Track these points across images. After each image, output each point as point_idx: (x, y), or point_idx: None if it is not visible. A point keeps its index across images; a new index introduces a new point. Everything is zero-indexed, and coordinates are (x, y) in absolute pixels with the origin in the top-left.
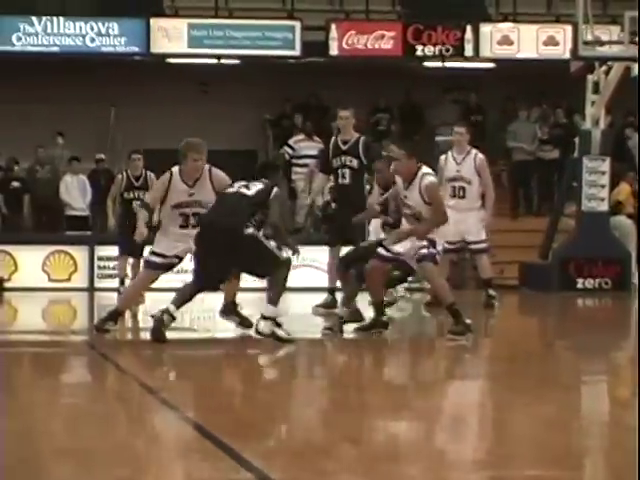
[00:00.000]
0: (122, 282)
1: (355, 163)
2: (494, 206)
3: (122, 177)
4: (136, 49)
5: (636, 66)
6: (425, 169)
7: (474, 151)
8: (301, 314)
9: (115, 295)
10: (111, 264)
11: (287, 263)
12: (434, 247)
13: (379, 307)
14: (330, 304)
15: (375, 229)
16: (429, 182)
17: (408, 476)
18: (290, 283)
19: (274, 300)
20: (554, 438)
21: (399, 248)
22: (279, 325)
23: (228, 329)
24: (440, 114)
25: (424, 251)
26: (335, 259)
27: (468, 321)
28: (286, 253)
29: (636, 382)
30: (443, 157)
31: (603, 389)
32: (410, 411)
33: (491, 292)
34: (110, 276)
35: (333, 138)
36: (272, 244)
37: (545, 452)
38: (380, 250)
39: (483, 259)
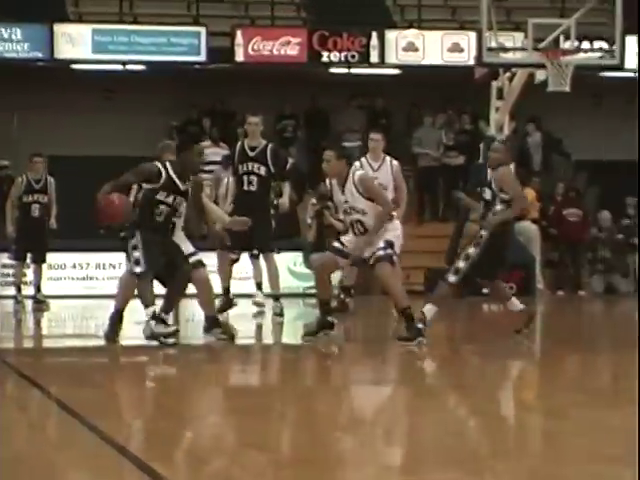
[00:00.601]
0: (19, 289)
1: (263, 170)
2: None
3: (22, 180)
4: (40, 55)
5: (539, 72)
6: (355, 167)
7: (388, 158)
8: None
9: (12, 303)
10: (11, 271)
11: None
12: (391, 248)
13: (325, 306)
14: (225, 306)
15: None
16: (360, 175)
17: None
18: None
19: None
20: (459, 442)
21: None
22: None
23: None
24: (346, 120)
25: (381, 252)
26: (225, 265)
27: (420, 326)
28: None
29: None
30: (357, 164)
31: (508, 393)
32: (318, 416)
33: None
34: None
35: (239, 144)
36: None
37: (450, 456)
38: (335, 244)
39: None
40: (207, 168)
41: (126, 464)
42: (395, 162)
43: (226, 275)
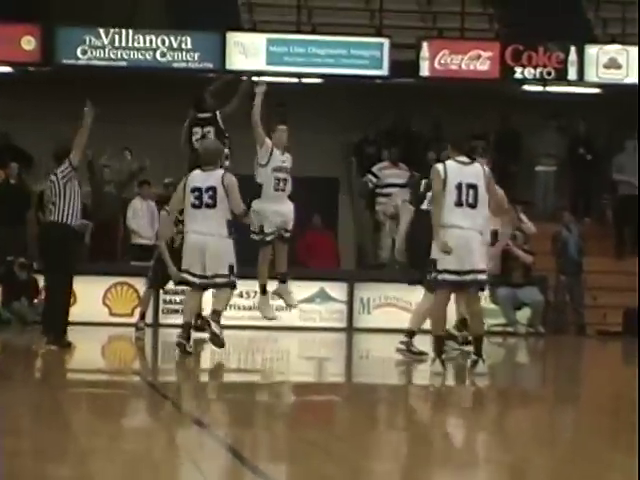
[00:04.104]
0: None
1: None
2: (597, 246)
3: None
4: (211, 65)
5: None
6: None
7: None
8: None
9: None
10: (178, 298)
11: None
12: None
13: None
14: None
15: None
16: None
17: None
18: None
19: None
20: None
21: None
22: None
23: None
24: (541, 142)
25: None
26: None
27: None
28: None
29: None
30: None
31: None
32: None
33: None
34: (176, 311)
35: None
36: None
37: None
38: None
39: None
40: (384, 191)
41: None
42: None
43: None
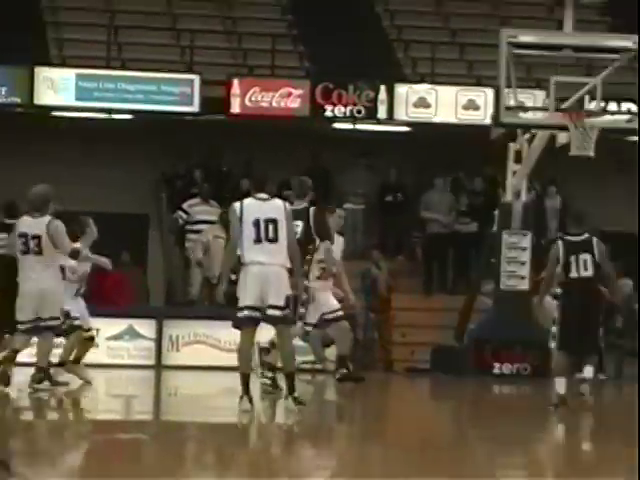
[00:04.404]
0: None
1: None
2: (407, 283)
3: None
4: (18, 100)
5: (561, 135)
6: None
7: None
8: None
9: None
10: None
11: None
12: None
13: None
14: None
15: None
16: None
17: None
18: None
19: None
20: None
21: None
22: None
23: None
24: (350, 180)
25: None
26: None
27: None
28: None
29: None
30: None
31: None
32: None
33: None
34: None
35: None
36: None
37: None
38: None
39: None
40: (195, 227)
41: None
42: None
43: None
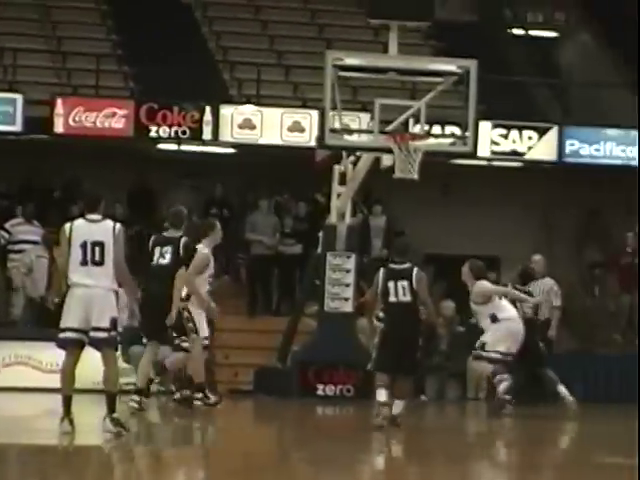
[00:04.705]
0: None
1: None
2: (231, 304)
3: None
4: None
5: (386, 157)
6: None
7: None
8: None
9: None
10: None
11: None
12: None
13: None
14: None
15: None
16: None
17: None
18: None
19: None
20: None
21: None
22: None
23: None
24: (176, 202)
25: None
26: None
27: None
28: None
29: None
30: None
31: None
32: None
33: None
34: None
35: None
36: None
37: None
38: None
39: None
40: (17, 247)
41: None
42: None
43: None
